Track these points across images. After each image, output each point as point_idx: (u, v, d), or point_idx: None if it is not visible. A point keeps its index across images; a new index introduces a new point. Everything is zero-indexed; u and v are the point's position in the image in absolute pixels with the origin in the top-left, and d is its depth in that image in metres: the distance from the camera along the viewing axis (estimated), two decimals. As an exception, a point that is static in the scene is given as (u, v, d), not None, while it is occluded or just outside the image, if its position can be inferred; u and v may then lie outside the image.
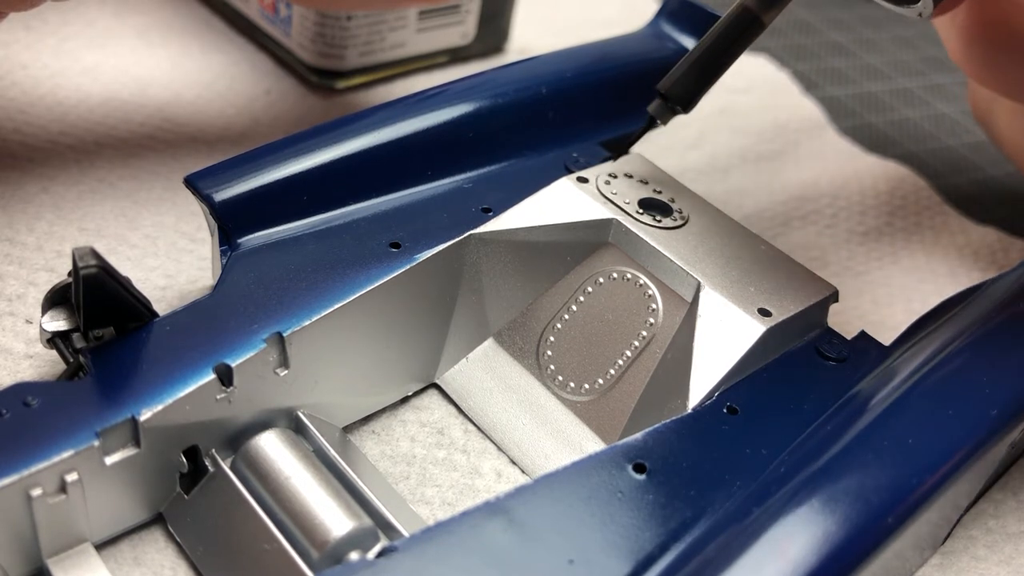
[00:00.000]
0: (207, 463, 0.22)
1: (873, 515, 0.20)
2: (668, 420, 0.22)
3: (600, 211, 0.26)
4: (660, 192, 0.27)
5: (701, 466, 0.21)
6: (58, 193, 0.30)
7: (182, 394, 0.21)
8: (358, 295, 0.23)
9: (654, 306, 0.25)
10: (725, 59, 0.24)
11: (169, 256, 0.29)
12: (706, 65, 0.24)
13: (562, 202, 0.26)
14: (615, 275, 0.26)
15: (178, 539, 0.22)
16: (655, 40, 0.33)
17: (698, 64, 0.24)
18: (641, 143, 0.29)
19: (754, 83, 0.43)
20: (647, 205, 0.27)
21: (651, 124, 0.26)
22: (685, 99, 0.25)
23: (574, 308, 0.26)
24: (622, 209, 0.26)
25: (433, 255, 0.25)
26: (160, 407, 0.21)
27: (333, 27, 0.36)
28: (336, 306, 0.23)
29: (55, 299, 0.22)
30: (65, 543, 0.21)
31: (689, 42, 0.32)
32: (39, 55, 0.36)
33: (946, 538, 0.25)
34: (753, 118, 0.40)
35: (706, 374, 0.23)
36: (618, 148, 0.29)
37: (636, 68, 0.31)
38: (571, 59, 0.31)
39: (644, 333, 0.25)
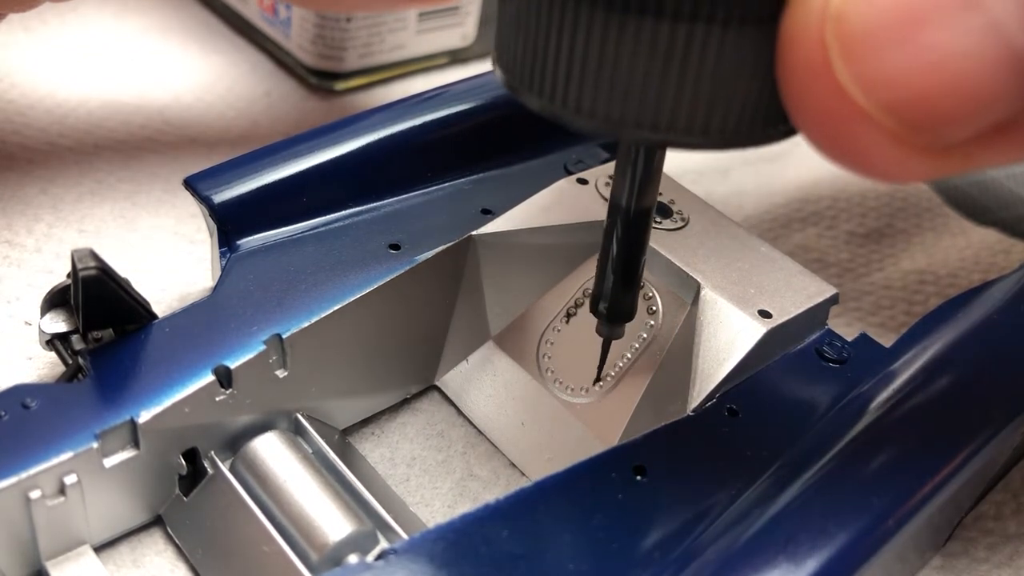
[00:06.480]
0: (206, 465, 0.22)
1: (874, 517, 0.20)
2: (668, 422, 0.22)
3: (600, 212, 0.26)
4: (660, 193, 0.27)
5: (701, 468, 0.21)
6: (57, 195, 0.30)
7: (181, 396, 0.21)
8: (358, 297, 0.23)
9: (654, 308, 0.25)
10: (635, 259, 0.22)
11: (168, 258, 0.29)
12: (625, 273, 0.22)
13: (562, 203, 0.26)
14: (615, 277, 0.26)
15: (177, 541, 0.22)
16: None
17: (618, 277, 0.22)
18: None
19: (754, 85, 0.42)
20: (647, 207, 0.26)
21: (607, 346, 0.24)
22: (627, 313, 0.23)
23: (574, 310, 0.26)
24: (622, 211, 0.26)
25: (433, 257, 0.24)
26: (159, 409, 0.21)
27: (332, 29, 0.35)
28: (335, 308, 0.23)
29: (54, 301, 0.22)
30: (64, 545, 0.21)
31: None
32: (39, 56, 0.36)
33: (947, 540, 0.25)
34: (753, 120, 0.40)
35: (706, 376, 0.23)
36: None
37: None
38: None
39: (644, 335, 0.25)
